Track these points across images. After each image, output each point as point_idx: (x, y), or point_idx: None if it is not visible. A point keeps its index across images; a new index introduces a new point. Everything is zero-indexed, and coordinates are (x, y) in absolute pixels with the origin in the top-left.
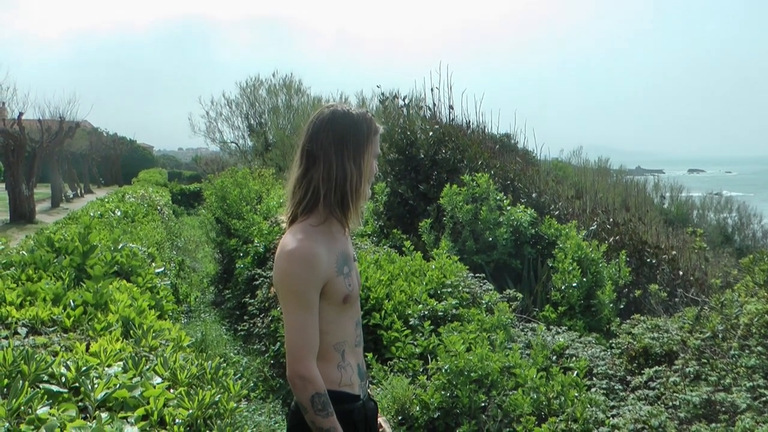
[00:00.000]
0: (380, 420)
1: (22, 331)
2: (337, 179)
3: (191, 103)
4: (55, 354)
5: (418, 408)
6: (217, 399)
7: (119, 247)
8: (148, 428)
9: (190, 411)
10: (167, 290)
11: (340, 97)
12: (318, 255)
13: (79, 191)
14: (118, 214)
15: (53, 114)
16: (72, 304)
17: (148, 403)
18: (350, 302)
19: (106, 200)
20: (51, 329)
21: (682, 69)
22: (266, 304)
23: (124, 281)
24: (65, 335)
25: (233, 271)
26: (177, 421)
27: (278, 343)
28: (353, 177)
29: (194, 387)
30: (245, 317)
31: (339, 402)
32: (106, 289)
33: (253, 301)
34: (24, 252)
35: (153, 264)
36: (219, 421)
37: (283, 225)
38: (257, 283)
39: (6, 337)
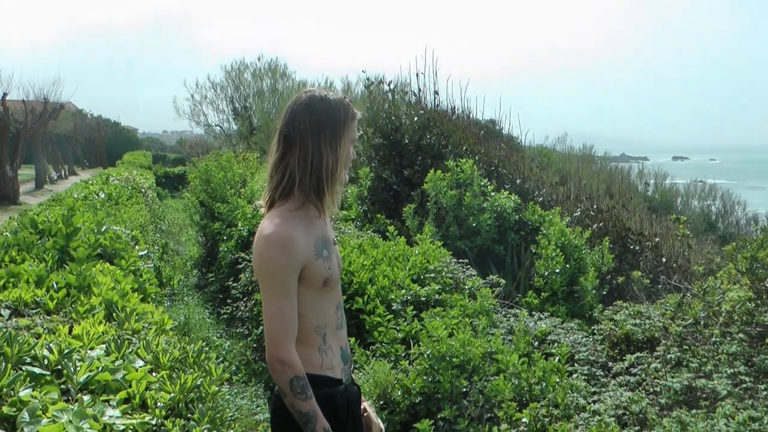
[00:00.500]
0: (365, 404)
1: (5, 312)
2: (313, 164)
3: (176, 85)
4: (38, 336)
5: (399, 393)
6: (198, 383)
7: (103, 229)
8: (129, 411)
9: (172, 394)
10: (150, 273)
11: (326, 82)
12: (295, 239)
13: (63, 173)
14: (102, 196)
15: (37, 95)
16: (55, 286)
17: (130, 386)
18: (331, 285)
19: (90, 182)
20: (34, 311)
21: (668, 59)
22: (249, 288)
23: (108, 264)
24: (48, 317)
25: (217, 255)
26: (159, 404)
27: (261, 327)
28: (329, 162)
29: (176, 370)
30: (228, 301)
31: (320, 386)
32: (90, 271)
33: (236, 284)
34: (7, 234)
35: (137, 247)
36: (201, 405)
37: (261, 210)
38: (240, 266)
39: None
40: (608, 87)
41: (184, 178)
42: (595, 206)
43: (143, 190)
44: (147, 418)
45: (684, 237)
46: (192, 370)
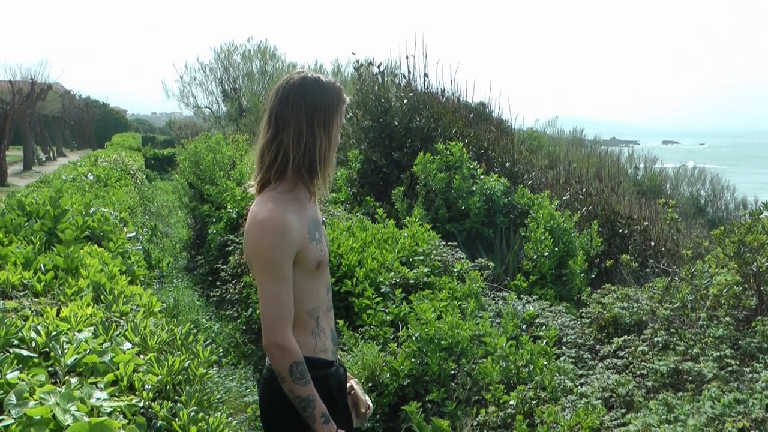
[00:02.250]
0: (351, 382)
1: None
2: (307, 145)
3: (165, 66)
4: (26, 318)
5: (388, 375)
6: (186, 365)
7: (91, 211)
8: (117, 393)
9: (160, 377)
10: (139, 255)
11: (315, 64)
12: (290, 224)
13: (51, 154)
14: (91, 178)
15: (24, 76)
16: (43, 268)
17: (118, 369)
18: (322, 268)
19: (79, 164)
20: (22, 293)
21: (659, 43)
22: (238, 270)
23: (95, 246)
24: (36, 300)
25: (206, 237)
26: (146, 386)
27: (250, 309)
28: (323, 143)
29: (164, 353)
30: (218, 283)
31: (314, 368)
32: (77, 253)
33: (225, 267)
34: None
35: (125, 229)
36: (188, 387)
37: (251, 190)
38: (230, 249)
39: None
40: (602, 70)
41: (173, 159)
42: (584, 190)
43: (132, 172)
44: (134, 401)
45: (673, 221)
46: (180, 352)
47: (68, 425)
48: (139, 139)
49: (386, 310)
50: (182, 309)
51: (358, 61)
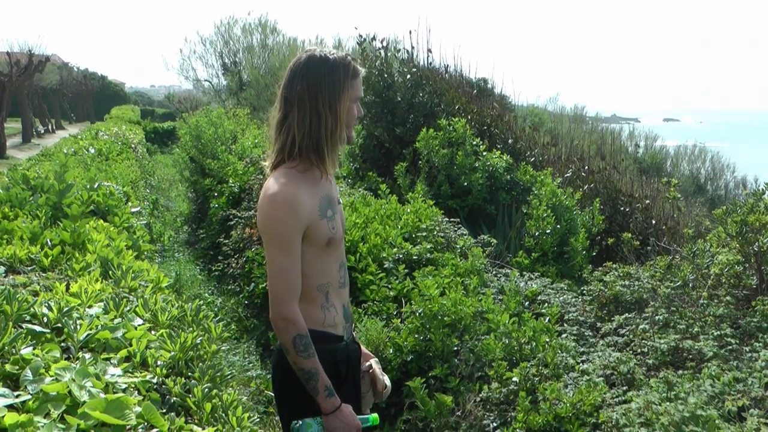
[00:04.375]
0: (371, 361)
1: (0, 269)
2: (312, 125)
3: (164, 39)
4: (36, 294)
5: (391, 350)
6: (198, 341)
7: (95, 186)
8: (131, 370)
9: (172, 353)
10: (143, 230)
11: (316, 38)
12: (300, 199)
13: (50, 127)
14: (92, 151)
15: (22, 47)
16: (49, 243)
17: (130, 345)
18: (334, 245)
19: (80, 137)
20: (29, 268)
21: (659, 23)
22: (241, 245)
23: (101, 221)
24: (44, 274)
25: (207, 211)
26: (159, 363)
27: (252, 284)
28: (328, 122)
29: (175, 329)
30: (219, 257)
31: (322, 341)
32: (83, 228)
33: (227, 241)
34: None
35: (129, 203)
36: (201, 364)
37: (267, 170)
38: (232, 223)
39: None
40: (604, 48)
41: (173, 133)
42: (586, 167)
43: (133, 146)
44: (148, 377)
45: (674, 200)
46: (191, 328)
47: (84, 401)
48: (138, 112)
49: (389, 286)
50: (184, 283)
51: (361, 36)
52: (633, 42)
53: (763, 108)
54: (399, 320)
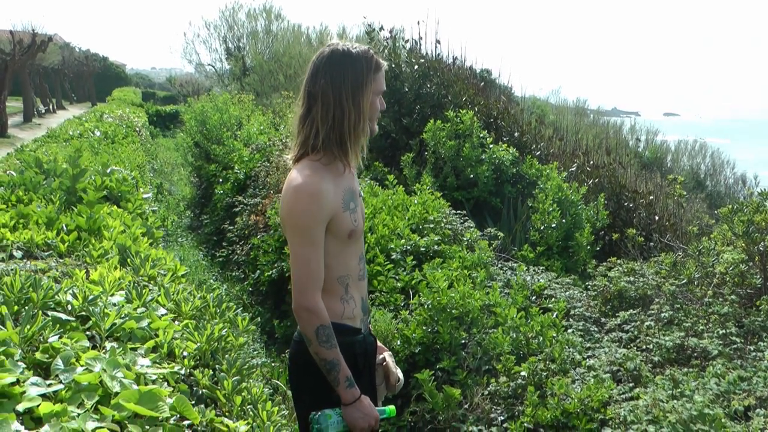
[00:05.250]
0: (384, 354)
1: (18, 254)
2: (335, 119)
3: (166, 21)
4: (56, 280)
5: (399, 342)
6: (223, 333)
7: (108, 171)
8: (158, 360)
9: (198, 344)
10: (155, 216)
11: (320, 26)
12: (324, 191)
13: (51, 107)
14: (98, 134)
15: (25, 27)
16: (65, 228)
17: (156, 335)
18: (355, 237)
19: (84, 119)
20: (46, 254)
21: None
22: (246, 232)
23: (114, 207)
24: (61, 260)
25: (211, 196)
26: (185, 353)
27: (258, 271)
28: (351, 116)
29: (198, 319)
30: (224, 243)
31: (340, 334)
32: (99, 214)
33: (232, 227)
34: (12, 173)
35: (140, 189)
36: (227, 356)
37: (289, 163)
38: (237, 210)
39: (2, 260)
40: (606, 41)
41: (175, 116)
42: (591, 162)
43: (138, 129)
44: (176, 368)
45: (680, 197)
46: (216, 320)
47: (116, 392)
48: (140, 95)
49: (397, 277)
50: (189, 269)
51: (369, 26)
52: (635, 37)
53: (765, 107)
54: (407, 312)
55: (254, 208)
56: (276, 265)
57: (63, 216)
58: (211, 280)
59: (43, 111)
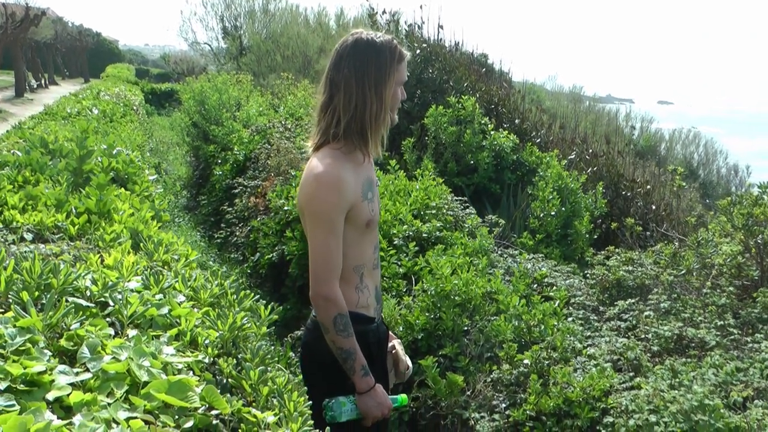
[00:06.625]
0: (393, 342)
1: (28, 236)
2: (357, 109)
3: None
4: (72, 265)
5: (402, 328)
6: (245, 321)
7: (114, 152)
8: (182, 349)
9: (220, 332)
10: (161, 198)
11: (318, 6)
12: (345, 180)
13: (43, 82)
14: (96, 112)
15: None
16: (74, 211)
17: (178, 322)
18: (372, 227)
19: (81, 97)
20: (56, 237)
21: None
22: (246, 214)
23: (122, 189)
24: (72, 244)
25: (209, 177)
26: (206, 342)
27: (258, 254)
28: (373, 106)
29: (216, 307)
30: (222, 225)
31: (355, 323)
32: (108, 197)
33: (231, 209)
34: (17, 152)
35: (146, 171)
36: (250, 344)
37: (309, 150)
38: (236, 191)
39: (13, 242)
40: (601, 28)
41: (171, 95)
42: (590, 150)
43: (135, 107)
44: (200, 356)
45: (679, 188)
46: (236, 308)
47: (145, 381)
48: (134, 71)
49: (399, 263)
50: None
51: (372, 8)
52: (633, 24)
53: (762, 101)
54: (410, 298)
55: (254, 190)
56: (276, 248)
57: (72, 198)
58: (210, 262)
59: (35, 86)
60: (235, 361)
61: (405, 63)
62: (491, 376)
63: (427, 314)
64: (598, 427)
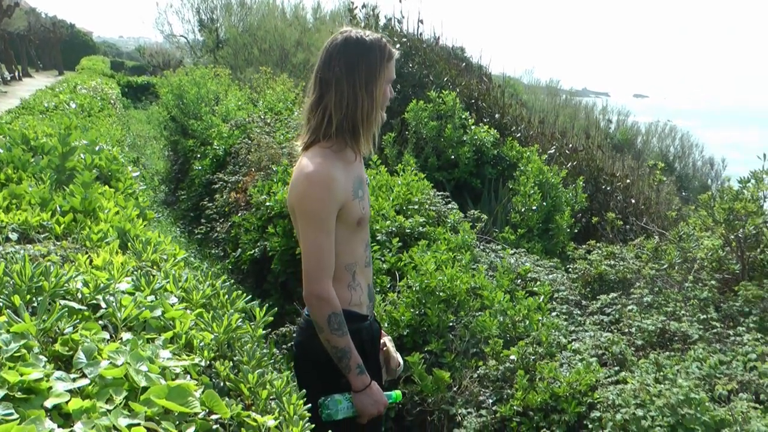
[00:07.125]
0: (384, 339)
1: (13, 236)
2: (349, 107)
3: None
4: (59, 266)
5: (387, 324)
6: (240, 323)
7: (97, 148)
8: (177, 352)
9: (215, 335)
10: (144, 195)
11: None
12: (336, 179)
13: (16, 74)
14: (74, 106)
15: None
16: (59, 209)
17: (172, 325)
18: (362, 225)
19: (58, 90)
20: (42, 236)
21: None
22: (226, 209)
23: (106, 186)
24: (58, 243)
25: (188, 172)
26: (201, 344)
27: (239, 250)
28: (364, 105)
29: (209, 308)
30: (202, 220)
31: (348, 321)
32: (93, 195)
33: (211, 205)
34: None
35: (130, 168)
36: (246, 347)
37: (298, 149)
38: (216, 186)
39: None
40: (577, 22)
41: (146, 88)
42: (570, 145)
43: (112, 101)
44: (196, 360)
45: (660, 182)
46: (227, 309)
47: (144, 387)
48: (109, 64)
49: (383, 259)
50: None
51: (351, 2)
52: (609, 17)
53: (739, 96)
54: (395, 294)
55: (235, 185)
56: (258, 244)
57: (56, 196)
58: (192, 258)
59: (9, 78)
60: (231, 364)
61: (394, 61)
62: (477, 371)
63: (412, 310)
64: (585, 422)
